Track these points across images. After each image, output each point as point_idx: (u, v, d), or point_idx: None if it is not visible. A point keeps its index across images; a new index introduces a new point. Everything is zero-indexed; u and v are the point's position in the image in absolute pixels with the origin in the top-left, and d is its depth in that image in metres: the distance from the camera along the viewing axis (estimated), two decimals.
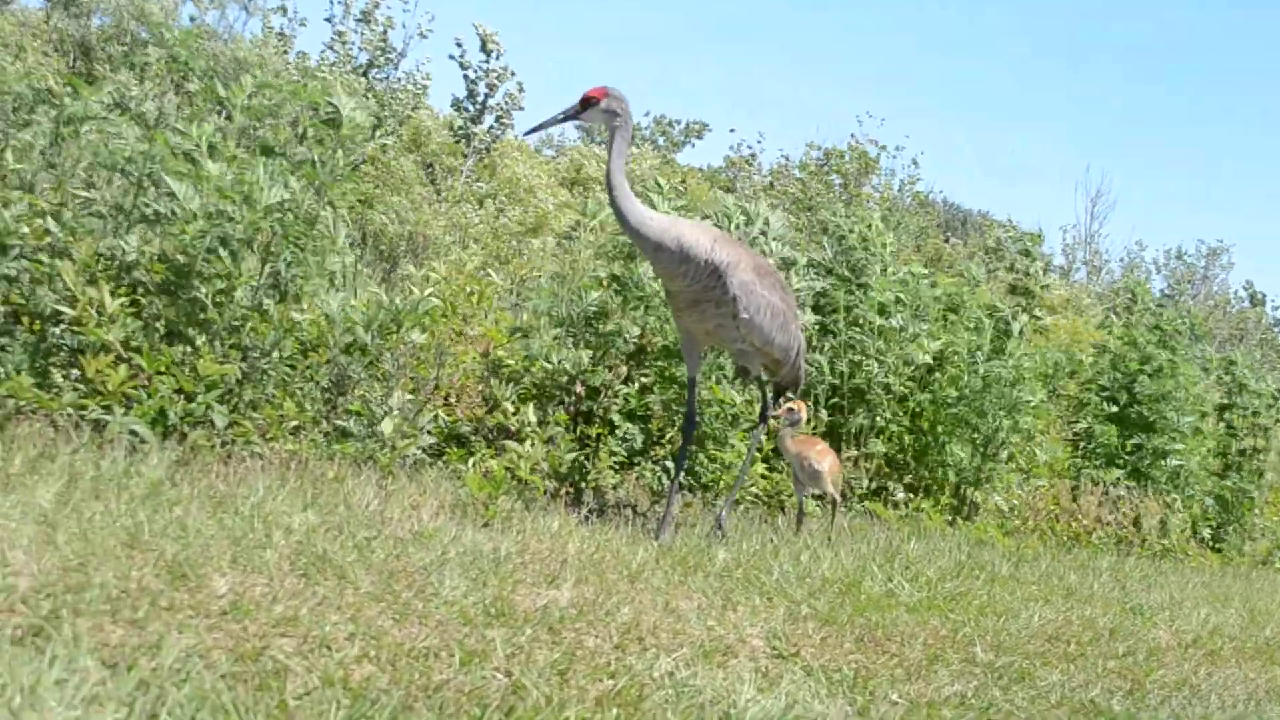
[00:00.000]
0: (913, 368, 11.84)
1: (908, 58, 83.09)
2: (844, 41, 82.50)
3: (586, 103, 7.92)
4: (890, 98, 78.25)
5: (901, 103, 76.83)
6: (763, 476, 10.65)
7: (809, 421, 9.91)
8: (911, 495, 11.81)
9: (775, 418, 9.45)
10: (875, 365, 11.66)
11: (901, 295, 11.95)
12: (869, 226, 12.25)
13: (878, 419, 11.73)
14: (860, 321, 11.78)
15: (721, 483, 10.12)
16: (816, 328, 11.69)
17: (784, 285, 8.84)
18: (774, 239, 11.34)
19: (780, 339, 8.56)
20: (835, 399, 11.64)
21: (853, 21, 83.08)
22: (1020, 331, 12.83)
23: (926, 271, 12.97)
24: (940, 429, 11.96)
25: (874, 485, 11.58)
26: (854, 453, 11.48)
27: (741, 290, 8.09)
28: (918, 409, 12.01)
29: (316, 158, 8.41)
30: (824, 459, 9.57)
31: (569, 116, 8.04)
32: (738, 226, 11.16)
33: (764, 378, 9.02)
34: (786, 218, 12.94)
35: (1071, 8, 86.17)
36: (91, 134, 8.50)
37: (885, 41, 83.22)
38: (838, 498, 9.84)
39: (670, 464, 9.78)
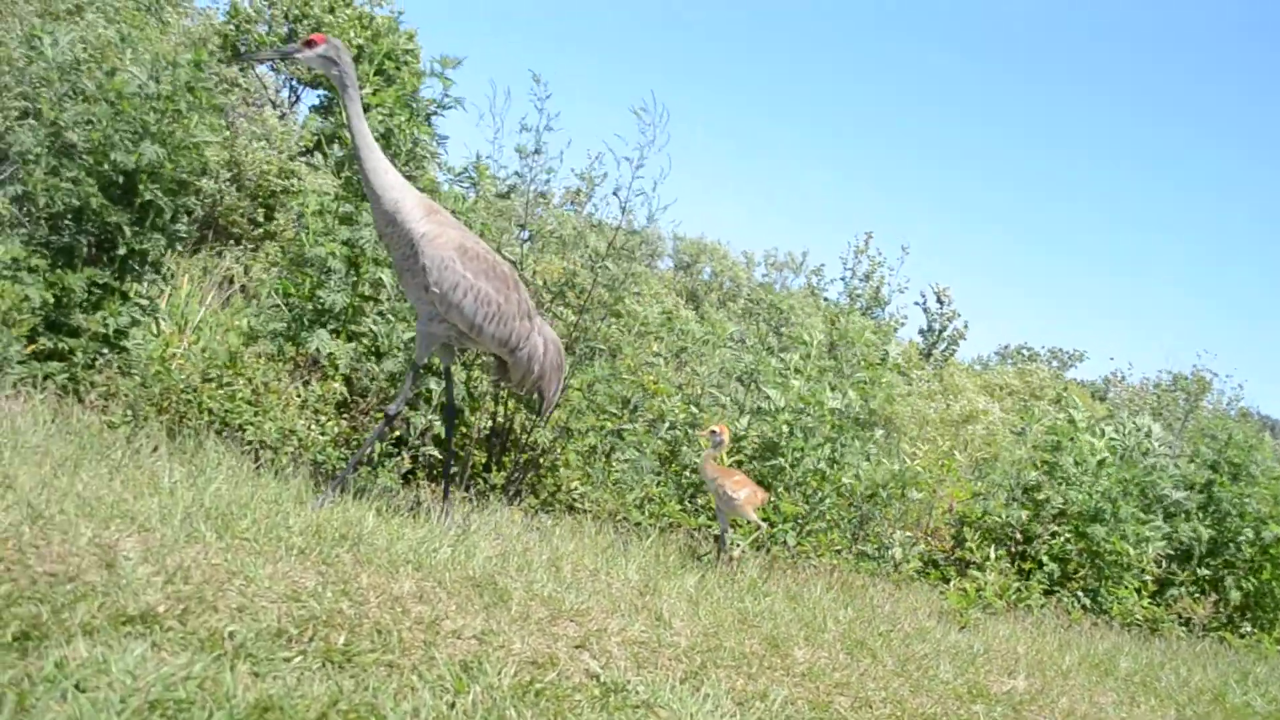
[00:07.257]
0: (1265, 541, 10.51)
1: (1241, 304, 74.47)
2: (1198, 295, 74.78)
3: (308, 44, 5.71)
4: (1227, 331, 70.37)
5: (1233, 333, 68.98)
6: (1143, 607, 9.61)
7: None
8: (1254, 630, 10.46)
9: (702, 438, 7.34)
10: (1241, 536, 10.47)
11: (1267, 489, 10.72)
12: (1250, 437, 11.09)
13: (1236, 573, 10.49)
14: (1236, 504, 10.61)
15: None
16: (1196, 506, 10.54)
17: (511, 282, 6.00)
18: (1155, 440, 10.52)
19: (493, 329, 5.89)
20: (1208, 557, 10.50)
21: (1202, 275, 75.43)
22: None
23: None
24: (1276, 582, 10.57)
25: (1225, 620, 10.31)
26: (1215, 597, 10.28)
27: (433, 263, 5.67)
28: (1259, 566, 10.67)
29: (870, 379, 8.41)
30: (740, 489, 6.92)
31: (287, 53, 5.80)
32: (1130, 434, 10.42)
33: (509, 386, 6.65)
34: (1164, 430, 11.79)
35: None
36: (720, 353, 8.82)
37: (1228, 290, 74.69)
38: (761, 525, 7.33)
39: (1082, 594, 9.01)
